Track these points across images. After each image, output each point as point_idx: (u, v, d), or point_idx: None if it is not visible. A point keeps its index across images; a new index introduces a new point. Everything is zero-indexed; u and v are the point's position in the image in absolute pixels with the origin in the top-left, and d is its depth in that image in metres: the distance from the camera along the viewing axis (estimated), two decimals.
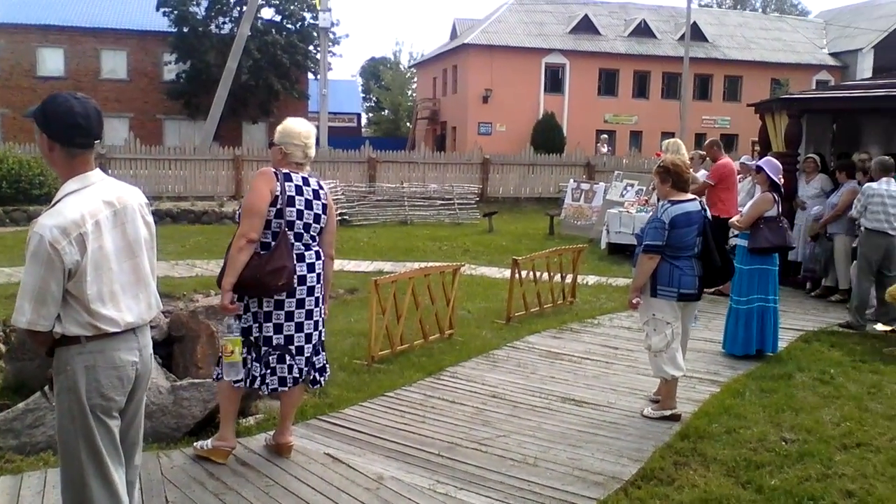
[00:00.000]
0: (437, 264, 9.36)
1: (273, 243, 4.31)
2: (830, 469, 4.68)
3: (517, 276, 8.49)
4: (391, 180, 21.95)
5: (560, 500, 4.22)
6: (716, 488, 4.38)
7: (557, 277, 9.31)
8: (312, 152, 4.53)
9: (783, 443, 5.09)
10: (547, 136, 34.46)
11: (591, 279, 11.30)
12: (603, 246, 14.02)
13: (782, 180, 7.47)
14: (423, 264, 10.03)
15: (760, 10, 62.97)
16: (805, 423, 5.46)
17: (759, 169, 7.17)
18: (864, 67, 39.79)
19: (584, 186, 17.49)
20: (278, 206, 4.30)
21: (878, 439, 5.18)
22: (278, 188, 4.31)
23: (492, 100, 37.58)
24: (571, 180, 18.91)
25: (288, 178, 4.38)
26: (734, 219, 7.49)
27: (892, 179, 8.48)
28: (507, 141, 34.53)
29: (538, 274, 9.01)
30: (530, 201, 23.58)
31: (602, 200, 16.00)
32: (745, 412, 5.64)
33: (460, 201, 20.90)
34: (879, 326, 7.89)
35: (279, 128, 4.53)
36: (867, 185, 8.49)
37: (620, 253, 13.13)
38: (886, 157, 8.75)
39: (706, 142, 11.55)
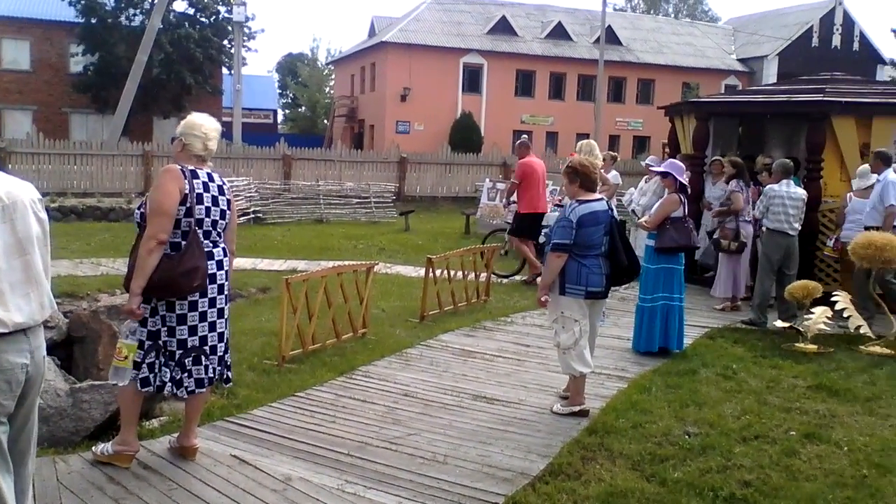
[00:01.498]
0: (351, 263, 9.30)
1: (183, 243, 4.20)
2: (730, 461, 4.83)
3: (432, 274, 8.51)
4: (307, 178, 21.72)
5: (469, 497, 4.24)
6: (621, 482, 4.47)
7: (472, 276, 9.37)
8: (213, 146, 4.43)
9: (686, 436, 5.23)
10: (464, 136, 34.66)
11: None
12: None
13: (688, 180, 7.68)
14: (337, 263, 9.94)
15: (673, 15, 64.66)
16: (708, 416, 5.62)
17: (666, 174, 7.34)
18: (770, 73, 41.30)
19: (500, 186, 17.63)
20: (187, 205, 4.20)
21: (775, 431, 5.38)
22: (187, 186, 4.20)
23: (410, 98, 37.58)
24: (487, 180, 19.06)
25: (195, 174, 4.28)
26: (643, 220, 7.65)
27: (793, 182, 8.82)
28: (425, 140, 34.57)
29: (453, 273, 9.04)
30: (447, 200, 23.68)
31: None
32: (651, 407, 5.78)
33: (377, 200, 20.83)
34: (779, 323, 8.18)
35: (182, 121, 4.44)
36: (769, 186, 8.80)
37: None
38: (787, 160, 9.09)
39: (517, 141, 11.92)
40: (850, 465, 4.82)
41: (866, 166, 9.26)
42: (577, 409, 5.63)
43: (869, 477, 4.66)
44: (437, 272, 8.70)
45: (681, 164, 7.59)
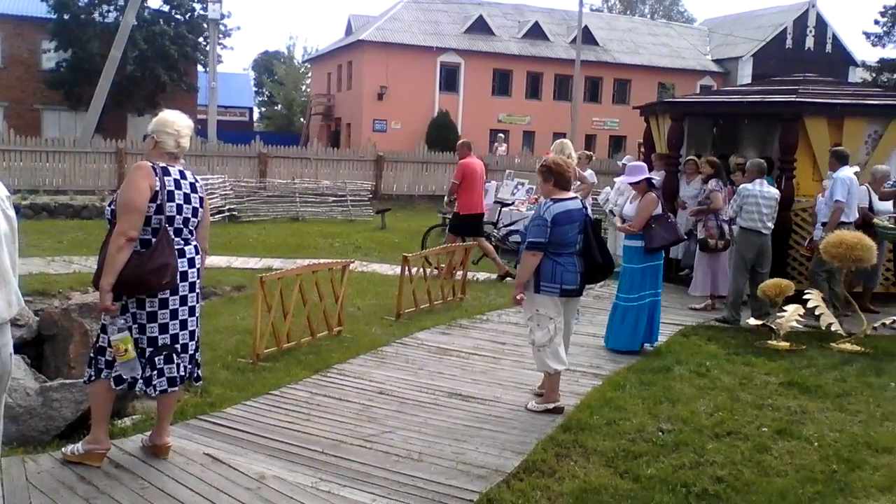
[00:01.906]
0: (326, 261, 9.27)
1: (153, 240, 4.17)
2: (703, 457, 4.87)
3: (408, 272, 8.50)
4: (283, 176, 21.60)
5: (443, 495, 4.24)
6: (595, 479, 4.49)
7: (448, 274, 9.37)
8: (185, 143, 4.40)
9: (660, 433, 5.27)
10: (441, 135, 34.63)
11: (482, 275, 11.41)
12: (494, 244, 14.16)
13: (654, 176, 7.82)
14: (313, 261, 9.91)
15: (649, 16, 65.05)
16: (681, 413, 5.66)
17: (637, 182, 7.43)
18: (745, 74, 41.67)
19: None
20: (158, 202, 4.16)
21: (747, 427, 5.43)
22: (158, 183, 4.17)
23: (387, 97, 37.51)
24: None
25: (166, 171, 4.24)
26: (625, 224, 7.64)
27: (766, 181, 8.91)
28: (402, 138, 34.53)
29: (428, 271, 9.04)
30: (424, 199, 23.64)
31: (493, 199, 16.16)
32: (625, 404, 5.81)
33: (353, 198, 20.77)
34: (752, 321, 8.25)
35: (154, 118, 4.40)
36: (742, 186, 8.88)
37: (511, 250, 13.29)
38: (761, 160, 9.17)
39: (459, 141, 12.07)
40: (820, 461, 4.88)
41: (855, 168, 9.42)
42: (551, 406, 5.65)
43: (838, 472, 4.72)
44: (413, 270, 8.69)
45: (640, 163, 7.69)
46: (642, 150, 13.37)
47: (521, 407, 5.75)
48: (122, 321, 4.20)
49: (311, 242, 14.88)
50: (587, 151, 13.33)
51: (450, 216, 11.88)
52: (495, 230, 12.43)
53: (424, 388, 6.13)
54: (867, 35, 39.48)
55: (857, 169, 9.33)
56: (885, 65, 37.42)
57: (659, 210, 7.32)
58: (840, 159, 8.92)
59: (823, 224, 8.97)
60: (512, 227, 12.97)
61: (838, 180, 8.70)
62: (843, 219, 8.70)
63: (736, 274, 8.90)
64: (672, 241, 7.49)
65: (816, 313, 8.05)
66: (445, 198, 12.52)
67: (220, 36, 36.09)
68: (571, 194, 5.75)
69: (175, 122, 4.35)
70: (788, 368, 6.96)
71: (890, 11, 36.54)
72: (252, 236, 15.44)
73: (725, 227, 9.48)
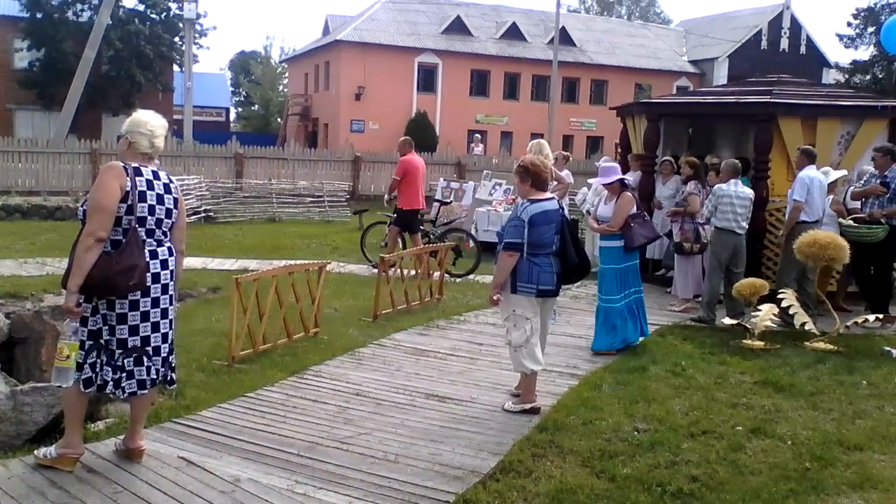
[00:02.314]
0: (303, 262, 9.23)
1: (124, 241, 4.12)
2: (678, 456, 4.90)
3: (385, 273, 8.49)
4: (259, 177, 21.50)
5: (420, 496, 4.23)
6: (571, 479, 4.50)
7: (425, 275, 9.36)
8: (160, 143, 4.36)
9: (636, 432, 5.29)
10: (419, 135, 34.36)
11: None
12: (472, 244, 14.17)
13: (628, 177, 7.89)
14: (290, 262, 9.85)
15: (626, 17, 65.39)
16: (657, 413, 5.69)
17: (611, 183, 7.48)
18: (720, 75, 41.99)
19: (454, 185, 17.62)
20: (129, 203, 4.12)
21: (722, 426, 5.46)
22: (128, 183, 4.13)
23: (365, 97, 37.43)
24: (442, 179, 19.03)
25: (138, 172, 4.20)
26: (603, 225, 7.66)
27: (741, 181, 8.98)
28: (379, 139, 34.45)
29: (406, 271, 9.03)
30: None
31: (471, 199, 16.18)
32: (601, 404, 5.83)
33: (331, 199, 20.70)
34: (727, 320, 8.31)
35: (127, 119, 4.36)
36: (717, 186, 8.94)
37: (489, 251, 13.30)
38: (735, 161, 9.24)
39: (400, 138, 12.33)
40: (794, 459, 4.93)
41: (826, 168, 9.50)
42: (528, 406, 5.66)
43: (811, 469, 4.76)
44: (391, 271, 8.68)
45: (613, 164, 7.80)
46: (619, 150, 13.43)
47: (497, 407, 5.75)
48: (81, 327, 4.15)
49: (288, 243, 14.81)
50: (564, 152, 13.35)
51: (390, 213, 12.06)
52: (434, 227, 12.47)
53: (401, 389, 6.12)
54: (840, 37, 39.98)
55: (827, 169, 9.42)
56: (858, 66, 37.90)
57: (635, 209, 7.37)
58: (809, 157, 9.01)
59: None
60: (452, 226, 13.00)
61: (798, 180, 8.80)
62: (806, 218, 8.77)
63: (711, 274, 8.96)
64: (651, 238, 7.58)
65: (790, 312, 8.12)
66: (386, 196, 12.61)
67: (196, 35, 35.89)
68: (548, 195, 5.76)
69: (149, 122, 4.32)
70: (763, 367, 7.02)
71: (862, 14, 37.01)
72: (228, 237, 15.35)
73: (702, 230, 9.51)
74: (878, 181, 8.96)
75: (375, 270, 11.10)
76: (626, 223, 7.32)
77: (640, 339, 7.67)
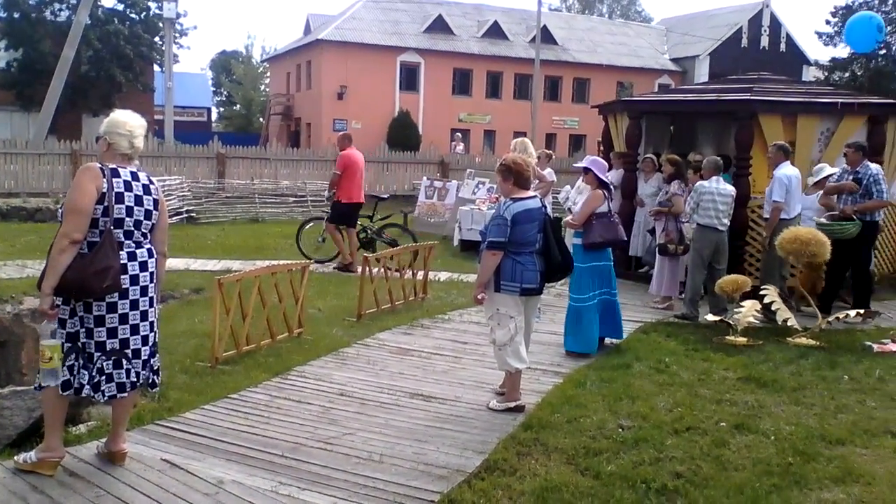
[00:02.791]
0: (286, 262, 9.18)
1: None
2: (662, 453, 4.91)
3: (368, 273, 8.46)
4: (242, 177, 21.38)
5: (404, 496, 4.22)
6: (556, 476, 4.51)
7: (409, 274, 9.35)
8: (139, 143, 4.32)
9: (620, 429, 5.30)
10: (402, 134, 34.59)
11: (444, 275, 11.41)
12: (455, 243, 14.24)
13: (609, 178, 7.80)
14: (273, 262, 9.80)
15: (607, 15, 65.59)
16: (641, 409, 5.71)
17: (587, 170, 7.36)
18: (702, 73, 42.18)
19: (438, 184, 17.65)
20: (105, 204, 4.08)
21: (706, 423, 5.49)
22: (105, 185, 4.09)
23: (347, 97, 37.31)
24: (425, 178, 19.05)
25: (115, 173, 4.16)
26: (567, 218, 7.67)
27: (722, 178, 9.02)
28: (362, 138, 34.14)
29: (390, 271, 9.01)
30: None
31: (455, 198, 16.21)
32: (585, 401, 5.84)
33: (314, 198, 20.62)
34: (710, 317, 8.36)
35: (105, 119, 4.32)
36: (699, 183, 8.97)
37: (472, 249, 13.29)
38: (717, 158, 9.28)
39: (340, 133, 12.59)
40: (777, 454, 4.95)
41: (822, 165, 9.59)
42: (512, 404, 5.66)
43: (794, 464, 4.79)
44: (374, 270, 8.66)
45: (603, 161, 7.60)
46: (601, 148, 13.47)
47: (482, 406, 5.75)
48: (59, 328, 4.11)
49: (271, 244, 14.72)
50: (547, 150, 13.38)
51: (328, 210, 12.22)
52: (371, 223, 12.51)
53: (385, 388, 6.11)
54: (819, 35, 40.30)
55: (823, 165, 9.53)
56: (837, 64, 38.23)
57: (604, 208, 7.24)
58: (785, 153, 9.08)
59: (766, 219, 9.17)
60: (388, 221, 13.04)
61: (777, 180, 8.86)
62: (784, 216, 8.87)
63: (693, 270, 8.99)
64: (609, 240, 7.29)
65: (773, 308, 8.17)
66: (326, 192, 12.69)
67: (177, 35, 35.70)
68: (531, 193, 5.76)
69: (127, 122, 4.28)
70: (746, 363, 7.06)
71: (840, 12, 37.31)
72: (211, 238, 15.25)
73: (685, 230, 9.48)
74: (850, 177, 9.05)
75: (316, 266, 11.22)
76: (588, 220, 7.25)
77: (608, 340, 7.55)
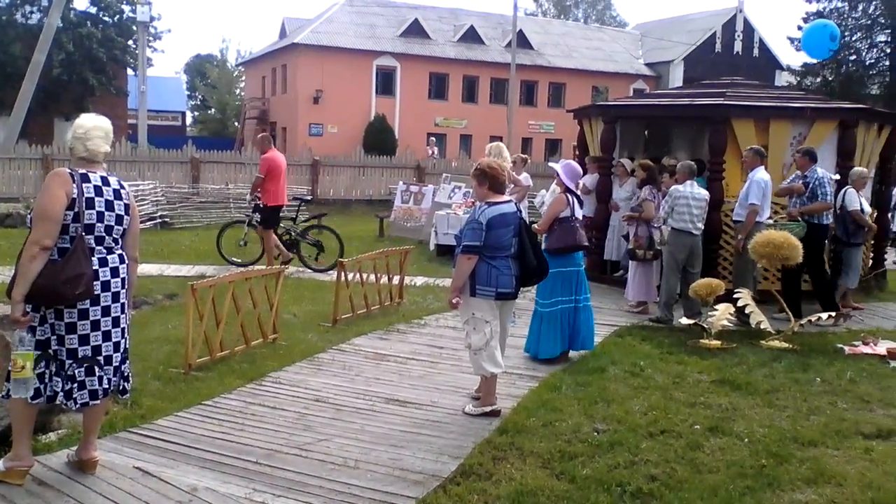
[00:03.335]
0: (260, 268, 9.14)
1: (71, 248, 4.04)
2: (637, 456, 4.94)
3: (343, 278, 8.43)
4: (216, 181, 21.23)
5: (380, 502, 4.21)
6: (531, 481, 4.51)
7: (385, 279, 9.33)
8: (95, 146, 4.22)
9: (595, 433, 5.32)
10: (379, 139, 34.55)
11: (420, 280, 11.40)
12: (432, 247, 14.23)
13: (581, 184, 7.76)
14: (248, 267, 9.76)
15: (582, 20, 65.92)
16: (616, 413, 5.73)
17: (559, 177, 7.30)
18: (676, 77, 42.54)
19: (414, 189, 17.64)
20: (75, 210, 4.03)
21: (680, 426, 5.52)
22: (75, 190, 4.04)
23: (323, 101, 37.23)
24: (401, 182, 19.03)
25: (85, 178, 4.11)
26: (537, 224, 7.64)
27: (696, 182, 9.10)
28: (338, 142, 34.30)
29: (365, 276, 8.98)
30: (361, 203, 23.49)
31: (431, 202, 16.20)
32: (561, 405, 5.86)
33: (289, 203, 20.51)
34: (684, 320, 8.41)
35: None
36: (673, 187, 9.04)
37: (449, 254, 13.25)
38: (691, 162, 9.36)
39: (259, 136, 12.61)
40: (750, 456, 4.99)
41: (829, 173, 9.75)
42: (488, 409, 5.66)
43: (767, 466, 4.83)
44: (350, 275, 8.63)
45: (575, 165, 7.47)
46: (576, 152, 13.52)
47: (458, 411, 5.74)
48: (29, 336, 4.05)
49: (246, 249, 14.60)
50: (523, 155, 13.42)
51: (253, 212, 12.17)
52: (294, 224, 12.52)
53: (361, 394, 6.09)
54: (791, 40, 40.59)
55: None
56: (809, 69, 38.61)
57: (567, 213, 7.12)
58: (760, 156, 9.18)
59: (736, 222, 9.25)
60: (312, 223, 13.07)
61: (753, 182, 8.96)
62: (758, 218, 8.96)
63: (668, 274, 9.05)
64: (569, 245, 7.13)
65: (746, 312, 8.24)
66: (249, 195, 12.71)
67: (150, 39, 35.37)
68: (506, 197, 5.77)
69: (84, 124, 4.22)
70: (720, 366, 7.11)
71: (811, 18, 37.68)
72: (185, 243, 15.14)
73: (656, 235, 9.42)
74: (801, 181, 9.26)
75: (234, 267, 11.39)
76: (551, 226, 7.19)
77: (571, 352, 7.37)
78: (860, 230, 9.65)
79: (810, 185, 9.16)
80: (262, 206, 11.66)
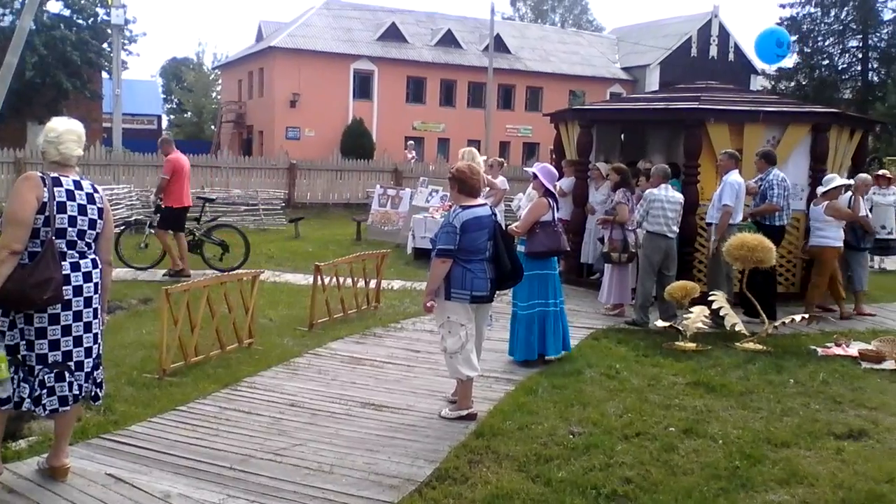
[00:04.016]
0: (236, 271, 9.09)
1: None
2: (612, 458, 4.95)
3: (320, 282, 8.40)
4: (192, 185, 21.05)
5: None
6: (507, 484, 4.51)
7: (362, 283, 9.31)
8: (67, 149, 4.18)
9: (571, 436, 5.34)
10: (356, 142, 34.47)
11: (397, 283, 11.38)
12: (409, 251, 14.20)
13: (558, 187, 7.78)
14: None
15: (559, 24, 66.19)
16: (591, 416, 5.75)
17: (535, 175, 7.30)
18: (652, 81, 42.82)
19: (391, 192, 17.63)
20: (46, 214, 3.99)
21: (655, 428, 5.55)
22: (46, 194, 4.00)
23: (300, 104, 37.11)
24: (378, 186, 19.01)
25: (57, 182, 4.07)
26: (513, 225, 7.65)
27: (671, 186, 9.16)
28: (316, 146, 34.21)
29: (342, 280, 8.96)
30: (338, 207, 23.45)
31: (408, 206, 16.20)
32: (537, 408, 5.87)
33: (266, 207, 20.45)
34: (660, 323, 8.46)
35: None
36: (648, 191, 9.10)
37: (426, 258, 13.20)
38: (665, 166, 9.42)
39: (160, 138, 12.75)
40: (724, 458, 5.03)
41: (833, 175, 9.84)
42: (464, 412, 5.66)
43: (741, 468, 4.87)
44: (327, 279, 8.60)
45: (552, 169, 7.51)
46: (553, 156, 13.57)
47: (434, 415, 5.74)
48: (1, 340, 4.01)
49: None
50: (499, 158, 13.45)
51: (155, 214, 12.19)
52: (198, 225, 12.49)
53: (337, 398, 6.06)
54: None
55: (833, 175, 9.85)
56: (783, 73, 39.04)
57: (548, 217, 7.16)
58: (735, 160, 9.26)
59: (709, 224, 9.33)
60: (217, 222, 13.09)
61: (727, 184, 9.02)
62: (731, 221, 9.02)
63: (643, 277, 9.10)
64: (552, 249, 7.18)
65: (721, 314, 8.30)
66: (153, 197, 12.69)
67: (125, 42, 35.00)
68: (481, 201, 5.78)
69: (56, 128, 4.18)
70: (695, 369, 7.16)
71: (785, 23, 38.12)
72: (159, 247, 14.96)
73: (630, 238, 9.44)
74: (760, 184, 9.38)
75: (134, 269, 11.49)
76: (532, 229, 7.18)
77: (560, 354, 7.35)
78: (867, 235, 10.18)
79: (761, 187, 9.30)
80: (166, 207, 11.51)
